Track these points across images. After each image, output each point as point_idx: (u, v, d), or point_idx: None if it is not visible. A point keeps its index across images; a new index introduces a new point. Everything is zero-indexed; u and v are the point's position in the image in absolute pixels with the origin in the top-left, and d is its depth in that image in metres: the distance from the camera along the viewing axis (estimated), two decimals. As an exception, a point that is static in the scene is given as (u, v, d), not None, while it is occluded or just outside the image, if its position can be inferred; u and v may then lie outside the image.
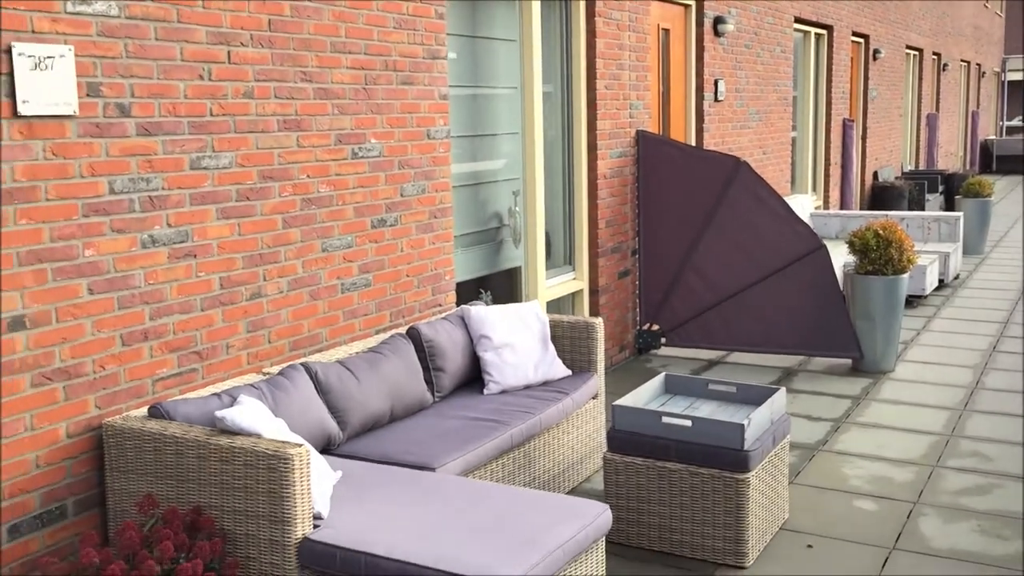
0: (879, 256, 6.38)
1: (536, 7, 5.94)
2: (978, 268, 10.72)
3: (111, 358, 3.40)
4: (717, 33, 8.41)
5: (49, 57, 3.11)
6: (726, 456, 3.74)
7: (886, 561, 3.82)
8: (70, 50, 3.18)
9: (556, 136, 6.52)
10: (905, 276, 6.48)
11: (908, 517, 4.22)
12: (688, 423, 3.82)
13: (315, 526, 3.07)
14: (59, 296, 3.21)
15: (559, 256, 6.62)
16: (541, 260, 6.16)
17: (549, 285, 6.34)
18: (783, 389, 4.11)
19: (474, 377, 4.71)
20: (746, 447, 3.73)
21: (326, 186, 4.30)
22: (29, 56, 3.06)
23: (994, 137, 26.68)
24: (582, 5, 6.45)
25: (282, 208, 4.08)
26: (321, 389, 3.86)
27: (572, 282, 6.62)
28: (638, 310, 7.14)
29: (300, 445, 3.02)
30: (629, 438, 3.94)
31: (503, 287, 6.08)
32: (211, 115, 3.73)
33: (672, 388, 4.42)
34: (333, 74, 4.30)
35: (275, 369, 3.98)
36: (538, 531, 2.99)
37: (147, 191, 3.49)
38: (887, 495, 4.47)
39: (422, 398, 4.33)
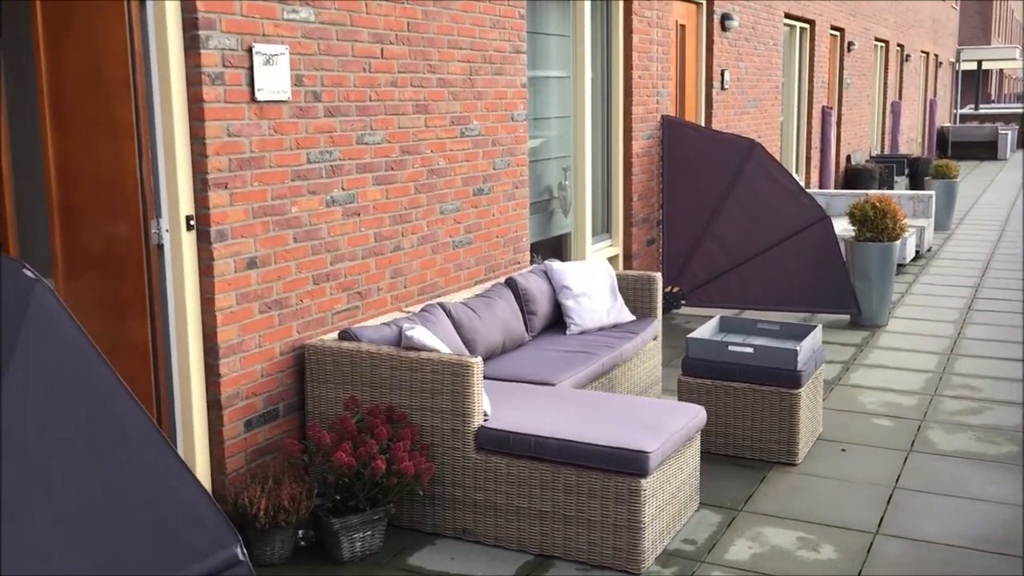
0: (876, 225, 7.39)
1: (587, 7, 6.84)
2: (947, 241, 11.85)
3: (306, 294, 4.26)
4: (724, 28, 9.37)
5: (275, 55, 3.96)
6: (782, 375, 4.70)
7: (906, 460, 4.82)
8: (286, 49, 4.03)
9: (596, 120, 7.42)
10: (897, 243, 7.51)
11: (918, 430, 5.23)
12: (751, 350, 4.78)
13: (484, 419, 3.97)
14: (276, 243, 4.07)
15: (598, 225, 7.54)
16: (588, 228, 7.08)
17: (592, 251, 7.27)
18: (820, 326, 5.08)
19: (556, 321, 5.62)
20: (799, 367, 4.69)
21: (443, 160, 5.17)
22: (262, 54, 3.90)
23: (949, 124, 28.08)
24: (621, 5, 7.36)
25: (414, 177, 4.95)
26: (455, 323, 4.75)
27: (609, 248, 7.56)
28: (661, 274, 8.09)
29: (475, 356, 3.91)
30: (701, 364, 4.89)
31: (553, 251, 6.98)
32: (370, 100, 4.58)
33: (726, 327, 5.38)
34: (449, 66, 5.17)
35: (414, 308, 4.86)
36: (657, 421, 3.92)
37: (330, 161, 4.35)
38: (898, 415, 5.47)
39: (522, 335, 5.24)
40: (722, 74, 9.44)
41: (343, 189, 4.44)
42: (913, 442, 5.05)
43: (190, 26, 3.65)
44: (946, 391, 5.92)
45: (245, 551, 2.06)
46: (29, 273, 2.21)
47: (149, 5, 3.61)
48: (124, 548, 2.01)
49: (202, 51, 3.65)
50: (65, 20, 3.65)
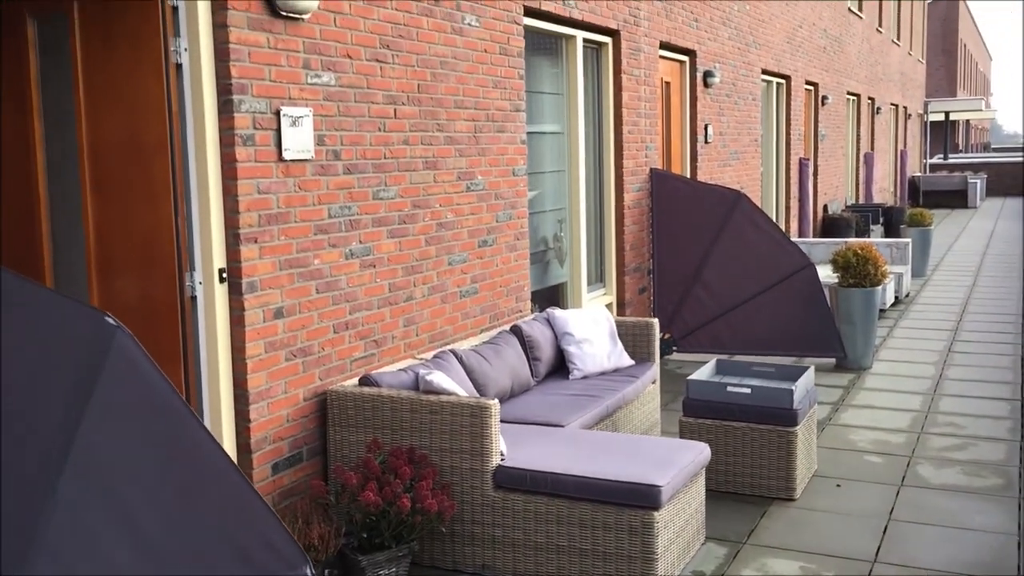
0: (858, 271, 7.70)
1: (580, 68, 7.17)
2: (924, 287, 12.21)
3: (328, 342, 4.47)
4: (706, 85, 9.76)
5: (300, 117, 4.21)
6: (779, 414, 4.94)
7: (898, 493, 5.04)
8: (310, 111, 4.29)
9: (589, 173, 7.72)
10: (879, 288, 7.81)
11: (908, 466, 5.46)
12: (748, 390, 5.01)
13: (501, 459, 4.16)
14: (300, 294, 4.28)
15: (592, 274, 7.80)
16: (584, 278, 7.34)
17: (587, 299, 7.51)
18: (812, 367, 5.33)
19: (559, 366, 5.84)
20: (794, 406, 4.93)
21: (451, 213, 5.42)
22: (289, 116, 4.15)
23: (920, 174, 28.79)
24: (610, 65, 7.71)
25: (425, 230, 5.19)
26: (467, 369, 4.96)
27: (603, 297, 7.81)
28: (653, 321, 8.34)
29: (493, 399, 4.13)
30: (701, 404, 5.12)
31: (550, 300, 7.22)
32: (384, 158, 4.84)
33: (723, 370, 5.62)
34: (455, 125, 5.44)
35: (427, 355, 5.07)
36: (666, 457, 4.13)
37: (349, 216, 4.59)
38: (888, 452, 5.71)
39: (528, 380, 5.45)
40: (705, 128, 9.81)
41: (360, 242, 4.67)
42: (904, 477, 5.28)
43: (224, 91, 3.90)
44: (932, 429, 6.16)
45: (314, 570, 2.26)
46: (110, 320, 2.41)
47: (186, 72, 3.86)
48: (205, 572, 2.20)
49: (235, 114, 3.90)
50: (106, 88, 3.89)
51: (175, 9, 3.81)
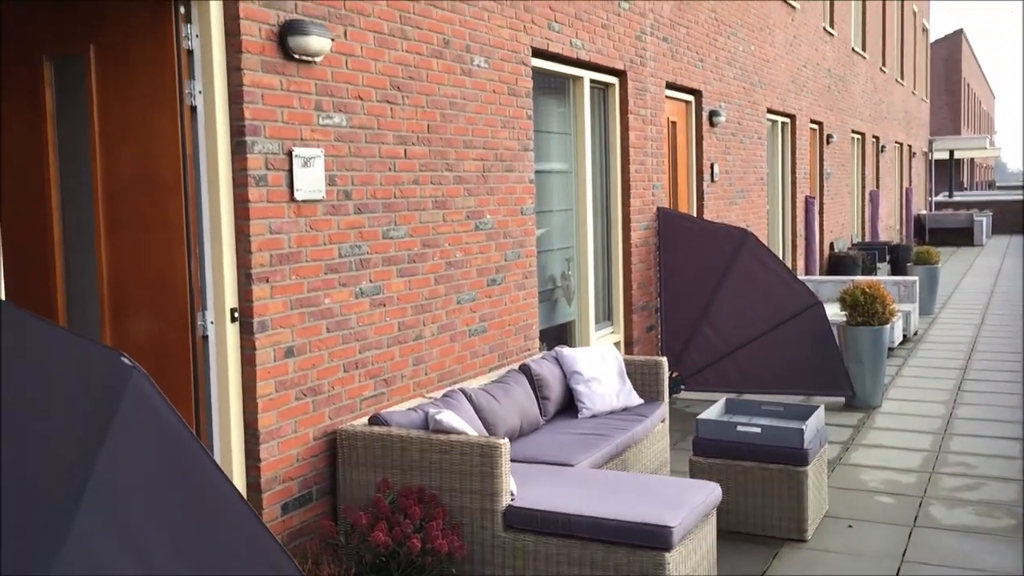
0: (867, 309, 7.70)
1: (587, 108, 7.24)
2: (932, 325, 12.19)
3: (337, 381, 4.47)
4: (712, 124, 9.83)
5: (312, 157, 4.25)
6: (789, 454, 4.91)
7: (910, 534, 5.00)
8: (322, 152, 4.33)
9: (596, 212, 7.76)
10: (887, 326, 7.80)
11: (919, 506, 5.42)
12: (758, 430, 4.99)
13: (512, 499, 4.14)
14: (311, 333, 4.30)
15: (599, 312, 7.81)
16: (591, 316, 7.35)
17: (595, 338, 7.51)
18: (822, 406, 5.31)
19: (568, 404, 5.83)
20: (805, 446, 4.91)
21: (460, 252, 5.45)
22: (301, 157, 4.19)
23: (925, 212, 28.84)
24: (617, 104, 7.77)
25: (434, 269, 5.21)
26: (476, 408, 4.96)
27: (611, 335, 7.81)
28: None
29: (503, 439, 4.12)
30: (711, 444, 5.10)
31: (558, 338, 7.22)
32: (394, 197, 4.88)
33: (732, 409, 5.60)
34: (464, 164, 5.49)
35: (436, 394, 5.07)
36: (677, 497, 4.11)
37: (359, 255, 4.61)
38: (899, 492, 5.67)
39: (537, 419, 5.44)
40: (711, 167, 9.87)
41: (370, 281, 4.69)
42: (916, 517, 5.24)
43: (237, 133, 3.94)
44: (943, 469, 6.12)
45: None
46: (126, 360, 2.43)
47: (200, 113, 3.91)
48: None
49: (248, 155, 3.94)
50: (121, 128, 3.94)
51: (190, 52, 3.86)
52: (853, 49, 17.69)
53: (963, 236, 26.85)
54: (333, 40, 4.40)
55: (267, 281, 4.04)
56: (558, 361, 5.88)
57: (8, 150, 4.17)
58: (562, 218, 7.22)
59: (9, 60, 4.12)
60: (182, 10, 3.83)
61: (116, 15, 3.91)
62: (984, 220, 27.01)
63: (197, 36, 3.87)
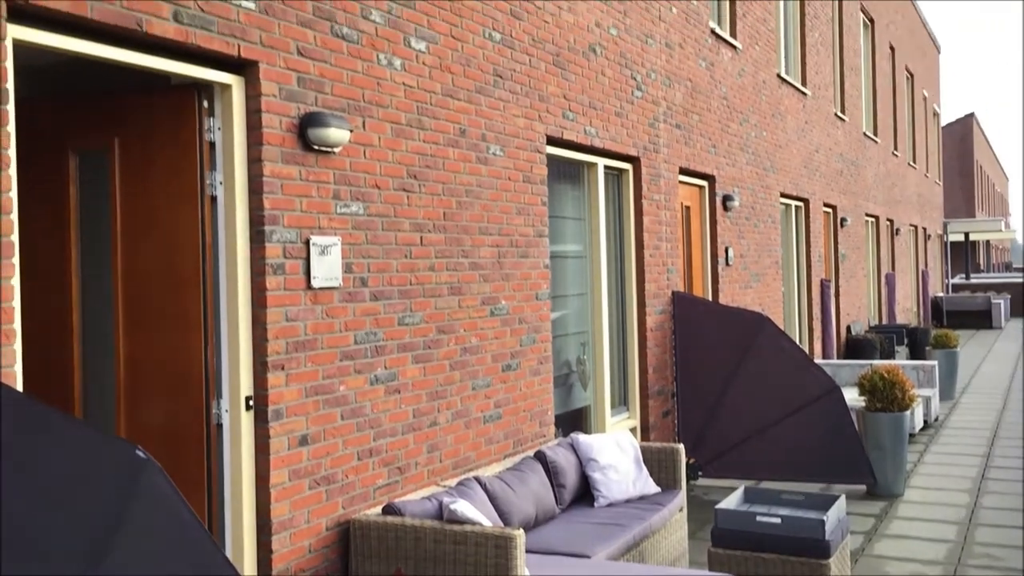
0: (886, 395, 7.61)
1: (601, 193, 7.31)
2: (953, 411, 12.03)
3: (351, 469, 4.43)
4: (726, 208, 9.90)
5: (329, 246, 4.30)
6: (811, 545, 4.81)
7: (937, 630, 4.86)
8: (339, 240, 4.37)
9: (611, 296, 7.77)
10: (908, 412, 7.70)
11: (946, 600, 5.28)
12: (778, 520, 4.90)
13: (527, 593, 4.06)
14: (325, 420, 4.28)
15: (615, 397, 7.76)
16: (607, 401, 7.30)
17: (611, 423, 7.45)
18: (844, 496, 5.22)
19: (583, 492, 5.74)
20: (827, 537, 4.80)
21: (476, 338, 5.45)
22: (318, 245, 4.24)
23: (943, 294, 28.75)
24: (631, 190, 7.85)
25: (449, 355, 5.21)
26: (490, 496, 4.89)
27: (627, 420, 7.74)
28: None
29: (518, 529, 4.05)
30: (729, 535, 5.00)
31: (573, 424, 7.16)
32: (410, 284, 4.90)
33: (751, 498, 5.51)
34: (480, 251, 5.53)
35: (451, 482, 5.01)
36: (696, 593, 4.02)
37: (374, 342, 4.62)
38: (925, 585, 5.53)
39: (552, 507, 5.36)
40: (726, 251, 9.90)
41: (385, 368, 4.69)
42: (943, 612, 5.10)
43: (256, 222, 3.99)
44: (970, 560, 5.97)
45: None
46: (140, 454, 2.42)
47: (220, 204, 3.97)
48: None
49: (266, 244, 3.99)
50: (142, 218, 4.00)
51: (212, 144, 3.94)
52: (865, 134, 17.88)
53: (981, 319, 26.67)
54: (352, 131, 4.49)
55: (282, 369, 4.04)
56: (574, 448, 5.82)
57: (31, 240, 4.23)
58: (577, 302, 7.23)
59: (36, 153, 4.21)
60: (205, 104, 3.93)
61: (140, 109, 4.00)
62: (1002, 303, 26.86)
63: (219, 129, 3.96)
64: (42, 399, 4.08)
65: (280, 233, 4.06)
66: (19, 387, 3.11)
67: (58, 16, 3.25)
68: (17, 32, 3.15)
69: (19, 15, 3.17)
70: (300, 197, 4.18)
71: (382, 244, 4.69)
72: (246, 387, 3.96)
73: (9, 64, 3.09)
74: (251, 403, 3.96)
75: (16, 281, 3.10)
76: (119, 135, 4.02)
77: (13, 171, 3.09)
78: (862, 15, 18.27)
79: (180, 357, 3.92)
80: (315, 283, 4.22)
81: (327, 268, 4.28)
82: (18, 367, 3.11)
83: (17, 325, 3.11)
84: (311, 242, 4.20)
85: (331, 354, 4.33)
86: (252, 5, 3.97)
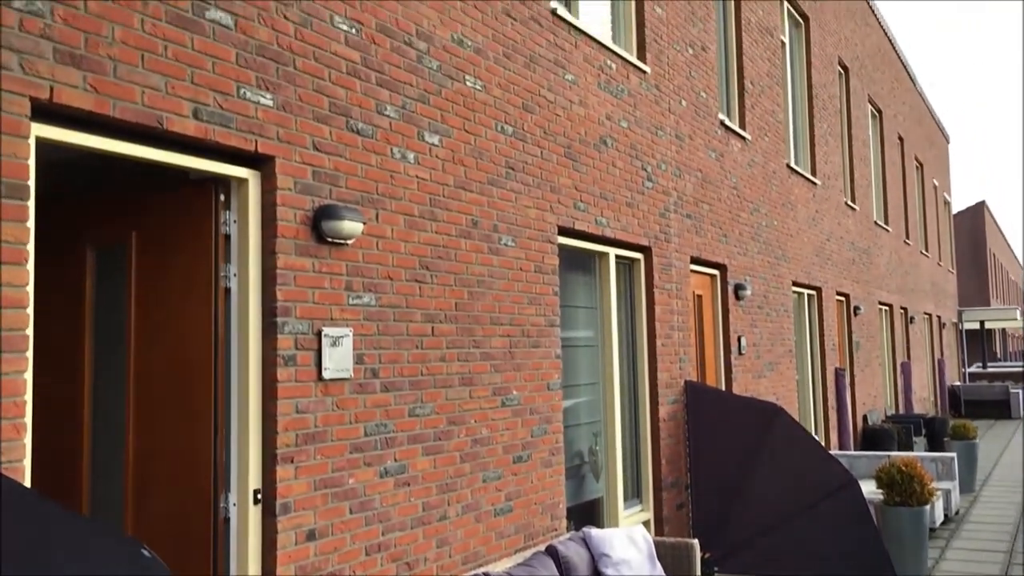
0: (904, 489, 7.48)
1: (613, 283, 7.34)
2: (973, 505, 11.79)
3: (359, 565, 4.36)
4: (738, 297, 9.91)
5: (340, 337, 4.31)
6: (830, 647, 4.66)
7: None
8: (350, 331, 4.39)
9: (624, 386, 7.73)
10: (927, 506, 7.55)
11: None
12: (796, 620, 4.76)
13: None
14: (333, 515, 4.23)
15: (628, 489, 7.65)
16: (620, 493, 7.19)
17: (624, 516, 7.33)
18: (862, 594, 5.08)
19: (596, 590, 5.62)
20: (846, 639, 4.66)
21: (486, 429, 5.41)
22: (330, 336, 4.25)
23: (960, 383, 28.46)
24: (643, 279, 7.88)
25: (460, 447, 5.16)
26: (500, 594, 4.80)
27: (640, 513, 7.61)
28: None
29: (528, 629, 3.95)
30: (746, 635, 4.86)
31: (585, 516, 7.05)
32: (421, 375, 4.90)
33: (768, 596, 5.37)
34: (491, 341, 5.53)
35: (460, 578, 4.92)
36: None
37: (384, 434, 4.59)
38: None
39: (564, 606, 5.24)
40: (739, 340, 9.87)
41: (395, 460, 4.65)
42: None
43: (269, 314, 4.02)
44: (996, 663, 5.78)
45: None
46: (146, 553, 2.39)
47: (234, 296, 4.00)
48: None
49: (279, 336, 4.00)
50: (157, 311, 4.03)
51: (227, 237, 4.00)
52: (876, 222, 17.97)
53: (999, 409, 26.34)
54: (365, 223, 4.55)
55: (292, 461, 4.02)
56: (585, 542, 5.72)
57: (45, 329, 4.26)
58: (589, 392, 7.19)
59: (54, 248, 4.27)
60: (222, 197, 3.99)
61: (158, 204, 4.07)
62: (1020, 392, 26.54)
63: (235, 222, 4.02)
64: (50, 488, 4.06)
65: (292, 325, 4.08)
66: (27, 481, 3.10)
67: (81, 115, 3.34)
68: (40, 130, 3.23)
69: (43, 114, 3.25)
70: (313, 289, 4.21)
71: (393, 335, 4.71)
72: (254, 480, 3.93)
73: (31, 162, 3.16)
74: (259, 496, 3.92)
75: (29, 375, 3.11)
76: (136, 230, 4.08)
77: (31, 266, 3.13)
78: (870, 106, 18.55)
79: (189, 448, 3.91)
80: (326, 374, 4.21)
81: (338, 359, 4.29)
82: (27, 461, 3.10)
83: (28, 419, 3.11)
84: (323, 333, 4.22)
85: (341, 446, 4.30)
86: (270, 101, 4.07)
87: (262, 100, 4.03)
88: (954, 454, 11.24)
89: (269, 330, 4.01)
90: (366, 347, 4.51)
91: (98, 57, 3.36)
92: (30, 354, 3.12)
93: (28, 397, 3.11)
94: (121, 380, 4.08)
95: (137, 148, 3.57)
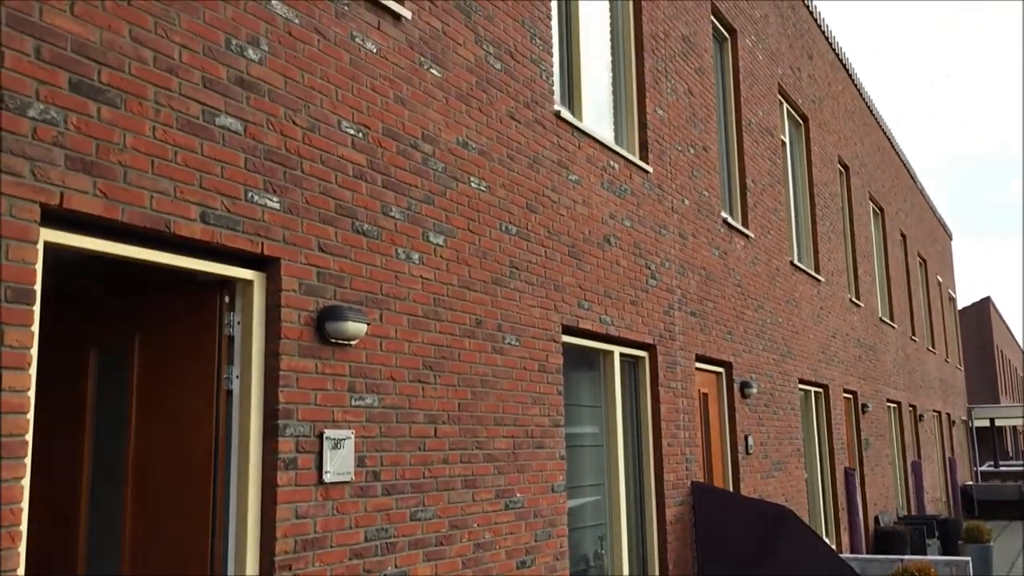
0: (918, 595, 7.29)
1: (618, 381, 7.30)
2: (991, 609, 11.46)
3: (357, 676, 4.23)
4: (744, 395, 9.84)
5: (342, 439, 4.27)
6: None
7: None
8: (353, 433, 4.35)
9: (629, 487, 7.61)
10: (942, 614, 7.35)
11: None
12: None
13: None
14: (331, 622, 4.12)
15: (635, 595, 7.46)
16: (626, 598, 7.01)
17: (631, 622, 7.13)
18: None
19: None
20: None
21: (489, 533, 5.31)
22: (332, 439, 4.21)
23: (972, 483, 28.00)
24: (648, 377, 7.84)
25: (462, 551, 5.06)
26: None
27: (647, 619, 7.41)
28: (702, 647, 7.83)
29: None
30: None
31: (593, 623, 6.86)
32: (423, 477, 4.83)
33: None
34: (495, 442, 5.47)
35: None
36: None
37: (385, 538, 4.51)
38: None
39: None
40: (746, 439, 9.76)
41: (396, 566, 4.55)
42: None
43: (270, 416, 3.99)
44: None
45: None
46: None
47: (235, 398, 3.98)
48: None
49: (280, 438, 3.97)
50: (158, 412, 4.01)
51: (231, 339, 4.00)
52: (881, 319, 17.96)
53: (1015, 509, 25.85)
54: (369, 324, 4.55)
55: (290, 569, 3.93)
56: (591, 652, 5.55)
57: (44, 430, 4.24)
58: (594, 492, 7.08)
59: (57, 350, 4.28)
60: (227, 299, 4.01)
61: (162, 305, 4.09)
62: (1034, 491, 26.08)
63: (239, 323, 4.03)
64: (42, 598, 3.97)
65: (294, 427, 4.05)
66: (18, 589, 3.03)
67: (90, 219, 3.38)
68: (49, 235, 3.27)
69: (52, 219, 3.30)
70: (315, 390, 4.19)
71: (396, 436, 4.66)
72: (251, 587, 3.84)
73: (39, 267, 3.19)
74: (255, 604, 3.83)
75: (27, 481, 3.07)
76: (140, 332, 4.09)
77: (33, 371, 3.13)
78: (871, 204, 18.75)
79: (186, 552, 3.83)
80: (327, 477, 4.16)
81: (340, 462, 4.24)
82: (21, 571, 3.04)
83: (24, 527, 3.06)
84: (325, 436, 4.19)
85: (340, 552, 4.22)
86: (277, 204, 4.13)
87: (269, 203, 4.08)
88: (969, 558, 10.97)
89: (270, 433, 3.98)
90: (368, 449, 4.46)
91: (108, 163, 3.43)
92: (28, 460, 3.09)
93: (24, 505, 3.07)
94: (119, 478, 4.03)
95: (144, 252, 3.60)
